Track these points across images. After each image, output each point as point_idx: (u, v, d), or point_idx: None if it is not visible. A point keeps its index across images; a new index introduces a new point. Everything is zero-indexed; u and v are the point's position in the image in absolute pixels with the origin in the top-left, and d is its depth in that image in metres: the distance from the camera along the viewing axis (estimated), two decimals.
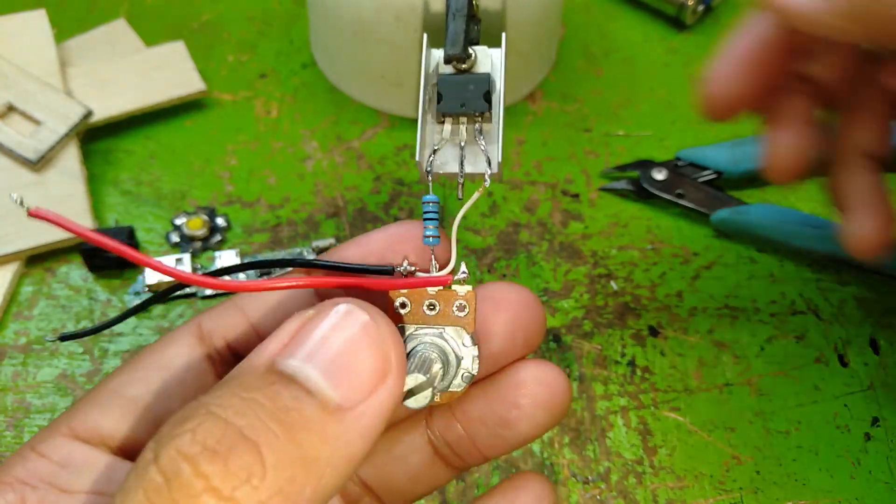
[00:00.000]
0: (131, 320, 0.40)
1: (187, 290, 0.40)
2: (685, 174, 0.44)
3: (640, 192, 0.44)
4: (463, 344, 0.23)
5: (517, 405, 0.24)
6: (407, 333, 0.23)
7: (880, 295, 0.41)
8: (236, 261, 0.41)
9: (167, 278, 0.39)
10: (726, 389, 0.38)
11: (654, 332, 0.40)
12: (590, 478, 0.36)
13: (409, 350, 0.23)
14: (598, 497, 0.36)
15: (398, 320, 0.23)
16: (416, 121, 0.23)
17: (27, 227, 0.41)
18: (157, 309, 0.40)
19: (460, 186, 0.23)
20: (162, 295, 0.25)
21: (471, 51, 0.22)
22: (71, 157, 0.43)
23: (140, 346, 0.39)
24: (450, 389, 0.23)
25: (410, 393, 0.22)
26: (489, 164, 0.22)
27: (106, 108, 0.45)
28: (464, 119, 0.23)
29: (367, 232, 0.24)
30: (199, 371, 0.22)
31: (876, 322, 0.40)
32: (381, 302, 0.21)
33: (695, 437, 0.37)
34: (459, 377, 0.23)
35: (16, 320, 0.40)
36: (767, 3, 0.27)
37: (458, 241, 0.23)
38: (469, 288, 0.23)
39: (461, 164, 0.22)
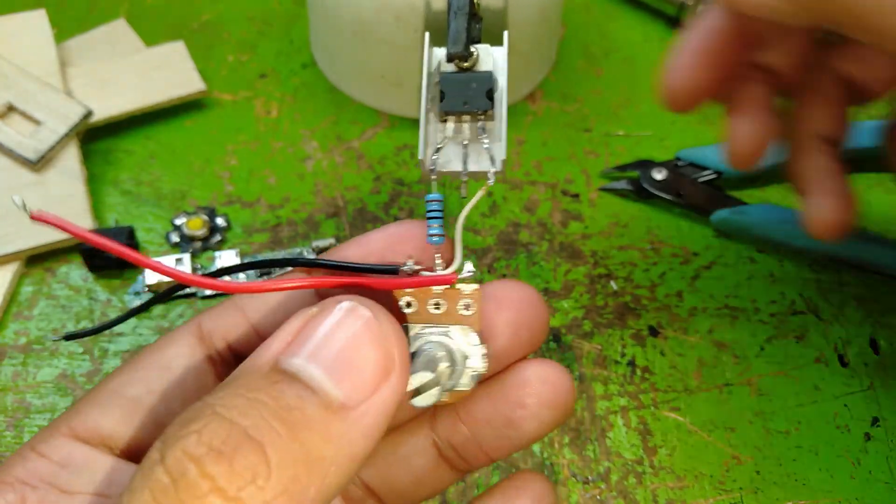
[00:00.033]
0: (131, 320, 0.40)
1: (188, 291, 0.40)
2: (685, 174, 0.44)
3: (640, 192, 0.44)
4: (469, 342, 0.22)
5: (523, 405, 0.24)
6: (412, 333, 0.23)
7: (880, 295, 0.41)
8: (236, 261, 0.41)
9: (167, 278, 0.39)
10: (726, 389, 0.38)
11: (654, 332, 0.40)
12: (590, 478, 0.36)
13: (415, 349, 0.22)
14: (598, 497, 0.36)
15: (403, 320, 0.22)
16: (417, 120, 0.23)
17: (27, 227, 0.41)
18: (157, 309, 0.40)
19: (464, 185, 0.22)
20: (164, 295, 0.25)
21: (472, 49, 0.22)
22: (71, 157, 0.43)
23: (140, 346, 0.39)
24: (457, 388, 0.23)
25: (417, 392, 0.22)
26: (493, 161, 0.22)
27: (106, 108, 0.45)
28: (466, 117, 0.22)
29: (366, 232, 0.24)
30: (200, 372, 0.22)
31: (876, 322, 0.40)
32: (386, 302, 0.21)
33: (695, 437, 0.37)
34: (467, 376, 0.22)
35: (16, 320, 0.40)
36: None
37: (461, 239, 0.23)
38: (475, 286, 0.22)
39: (464, 162, 0.22)
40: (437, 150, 0.22)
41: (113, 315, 0.40)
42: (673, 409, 0.38)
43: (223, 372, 0.22)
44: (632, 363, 0.39)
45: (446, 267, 0.22)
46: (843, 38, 0.32)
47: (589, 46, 0.52)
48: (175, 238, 0.42)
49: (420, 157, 0.23)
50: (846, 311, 0.41)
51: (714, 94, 0.32)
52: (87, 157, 0.44)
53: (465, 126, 0.23)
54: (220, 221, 0.43)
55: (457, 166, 0.22)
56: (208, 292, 0.41)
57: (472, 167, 0.22)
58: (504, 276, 0.42)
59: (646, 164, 0.45)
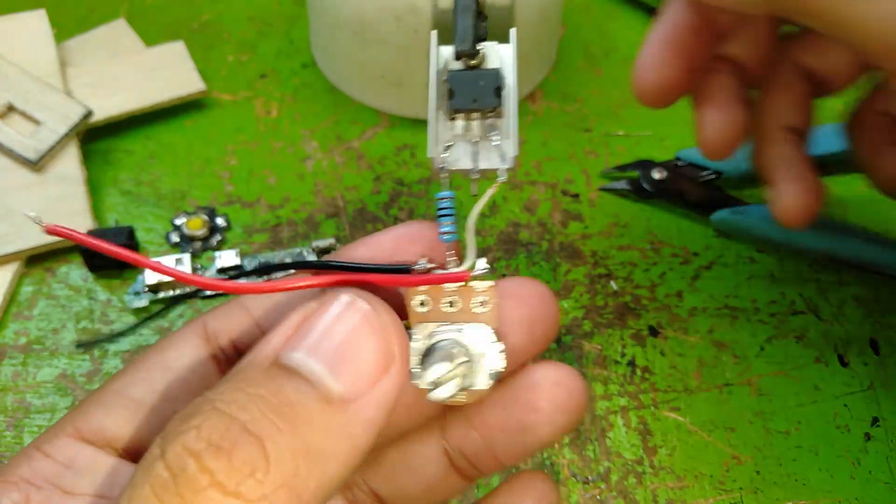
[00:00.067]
0: (131, 321, 0.40)
1: (206, 294, 0.40)
2: (685, 174, 0.44)
3: (640, 192, 0.44)
4: (486, 340, 0.22)
5: (537, 409, 0.23)
6: (427, 332, 0.22)
7: (880, 295, 0.41)
8: (236, 261, 0.41)
9: (167, 278, 0.39)
10: (726, 389, 0.38)
11: (654, 332, 0.40)
12: (590, 478, 0.36)
13: (430, 345, 0.22)
14: (598, 497, 0.36)
15: (405, 318, 0.22)
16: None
17: (27, 227, 0.41)
18: (156, 308, 0.40)
19: (474, 183, 0.22)
20: (181, 298, 0.25)
21: (480, 47, 0.22)
22: (71, 157, 0.43)
23: (140, 346, 0.39)
24: (474, 388, 0.22)
25: (435, 385, 0.21)
26: (503, 158, 0.22)
27: (106, 108, 0.45)
28: (476, 115, 0.22)
29: (373, 233, 0.24)
30: (205, 372, 0.22)
31: (876, 322, 0.40)
32: (394, 304, 0.21)
33: (695, 437, 0.37)
34: (484, 374, 0.22)
35: (16, 320, 0.40)
36: None
37: (475, 235, 0.22)
38: (489, 283, 0.22)
39: (475, 160, 0.22)
40: (447, 147, 0.22)
41: (113, 315, 0.40)
42: (673, 409, 0.38)
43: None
44: (632, 363, 0.39)
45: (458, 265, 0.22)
46: (804, 30, 0.32)
47: (589, 46, 0.52)
48: (175, 238, 0.42)
49: (430, 155, 0.22)
50: (846, 311, 0.41)
51: (687, 88, 0.32)
52: (87, 157, 0.44)
53: (475, 124, 0.22)
54: (220, 221, 0.43)
55: (467, 164, 0.22)
56: (209, 292, 0.41)
57: (482, 165, 0.22)
58: (504, 276, 0.42)
59: (646, 164, 0.45)
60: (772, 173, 0.33)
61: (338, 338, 0.18)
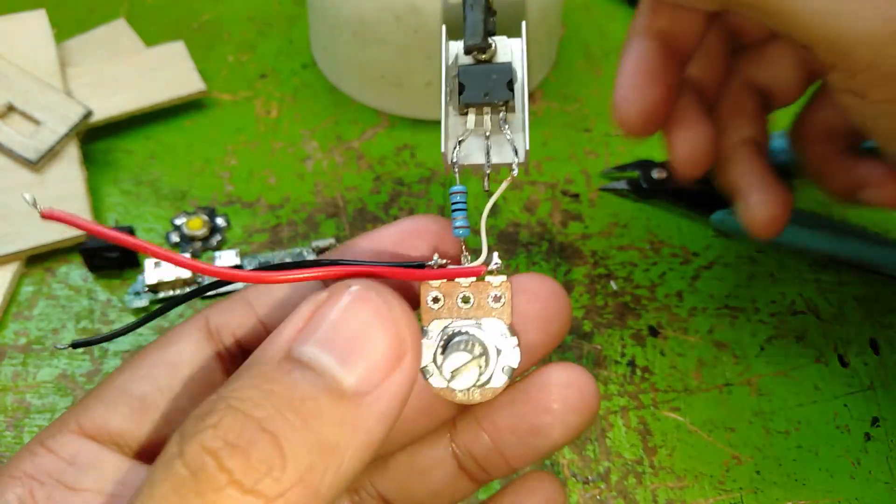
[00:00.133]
0: (131, 319, 0.40)
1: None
2: None
3: (640, 192, 0.44)
4: (501, 335, 0.22)
5: (549, 410, 0.23)
6: (442, 327, 0.22)
7: (880, 295, 0.41)
8: (236, 261, 0.41)
9: (167, 278, 0.39)
10: (726, 389, 0.38)
11: (653, 332, 0.40)
12: (590, 478, 0.36)
13: (445, 339, 0.22)
14: (598, 497, 0.36)
15: (430, 317, 0.22)
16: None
17: (27, 227, 0.41)
18: (155, 307, 0.40)
19: (486, 178, 0.22)
20: (191, 294, 0.24)
21: (490, 41, 0.22)
22: (71, 157, 0.43)
23: (140, 345, 0.39)
24: (490, 385, 0.22)
25: (454, 375, 0.21)
26: (516, 153, 0.22)
27: (106, 108, 0.45)
28: (487, 109, 0.22)
29: (375, 228, 0.24)
30: (207, 368, 0.22)
31: (876, 322, 0.40)
32: (406, 298, 0.21)
33: (695, 437, 0.37)
34: (499, 371, 0.22)
35: (16, 320, 0.40)
36: None
37: (486, 231, 0.22)
38: (504, 278, 0.22)
39: (487, 154, 0.22)
40: (459, 142, 0.22)
41: (112, 315, 0.40)
42: (673, 409, 0.38)
43: (231, 368, 0.22)
44: (632, 363, 0.39)
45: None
46: (751, 46, 0.35)
47: (589, 46, 0.52)
48: (175, 238, 0.42)
49: (442, 150, 0.22)
50: (846, 311, 0.41)
51: (666, 114, 0.33)
52: (87, 157, 0.44)
53: (486, 118, 0.22)
54: (220, 221, 0.43)
55: (479, 159, 0.22)
56: (208, 293, 0.40)
57: (494, 159, 0.22)
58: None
59: (646, 164, 0.45)
60: (737, 186, 0.34)
61: (349, 330, 0.18)
